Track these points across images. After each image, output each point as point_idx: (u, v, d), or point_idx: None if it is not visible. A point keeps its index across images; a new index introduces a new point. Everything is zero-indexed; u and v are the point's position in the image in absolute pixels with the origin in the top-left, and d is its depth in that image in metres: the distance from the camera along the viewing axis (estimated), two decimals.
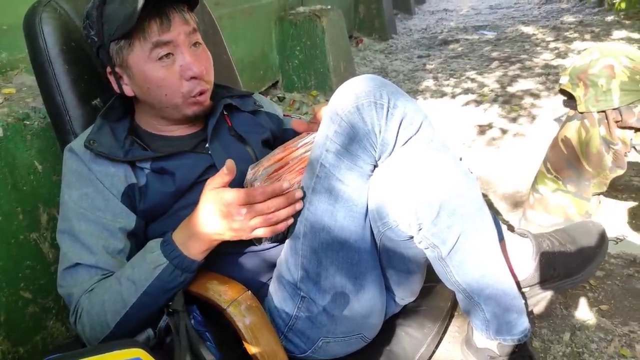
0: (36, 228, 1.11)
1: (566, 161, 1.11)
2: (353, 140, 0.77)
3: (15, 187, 1.06)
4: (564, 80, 1.12)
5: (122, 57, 0.88)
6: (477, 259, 0.81)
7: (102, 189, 0.86)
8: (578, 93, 1.08)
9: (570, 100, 1.12)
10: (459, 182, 0.75)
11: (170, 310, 0.80)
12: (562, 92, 1.14)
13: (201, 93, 0.92)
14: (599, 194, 1.16)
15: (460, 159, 0.80)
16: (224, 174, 0.76)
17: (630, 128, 1.02)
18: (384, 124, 0.77)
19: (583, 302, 1.21)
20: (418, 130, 0.80)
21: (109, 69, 0.91)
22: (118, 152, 0.88)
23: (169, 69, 0.88)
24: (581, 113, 1.08)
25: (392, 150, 0.79)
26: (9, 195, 1.05)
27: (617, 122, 1.03)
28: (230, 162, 0.77)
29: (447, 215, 0.74)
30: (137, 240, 0.89)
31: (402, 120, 0.78)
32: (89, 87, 1.00)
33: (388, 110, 0.77)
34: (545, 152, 1.19)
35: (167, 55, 0.88)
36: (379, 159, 0.80)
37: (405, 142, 0.80)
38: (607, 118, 1.04)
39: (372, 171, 0.81)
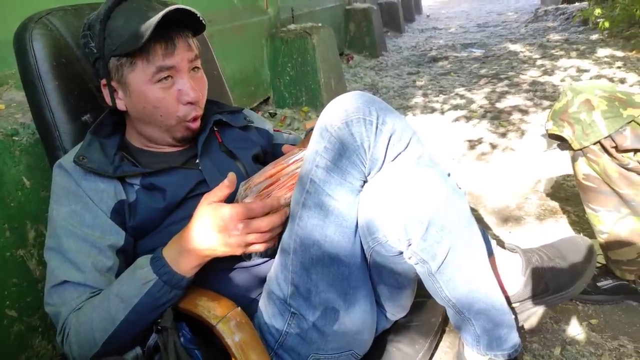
0: (23, 245, 1.10)
1: (601, 193, 1.11)
2: (342, 156, 0.78)
3: (2, 203, 1.05)
4: (549, 125, 1.13)
5: (121, 73, 0.88)
6: (467, 274, 0.81)
7: (91, 206, 0.86)
8: (566, 134, 1.10)
9: (563, 142, 1.14)
10: (448, 198, 0.75)
11: (159, 327, 0.79)
12: (552, 136, 1.15)
13: (194, 119, 0.93)
14: None
15: (449, 175, 0.81)
16: (225, 187, 0.76)
17: (629, 150, 1.03)
18: (373, 140, 0.77)
19: (573, 316, 1.22)
20: (407, 146, 0.81)
21: (103, 81, 0.92)
22: (108, 168, 0.87)
23: (167, 91, 0.89)
24: (580, 150, 1.10)
25: (382, 165, 0.80)
26: None
27: (613, 148, 1.04)
28: (232, 175, 0.77)
29: (436, 231, 0.75)
30: (126, 257, 0.88)
31: (391, 136, 0.79)
32: (79, 103, 1.00)
33: (377, 127, 0.77)
34: (581, 198, 1.19)
35: (167, 77, 0.89)
36: (368, 175, 0.81)
37: (395, 158, 0.80)
38: (603, 147, 1.06)
39: (362, 187, 0.81)
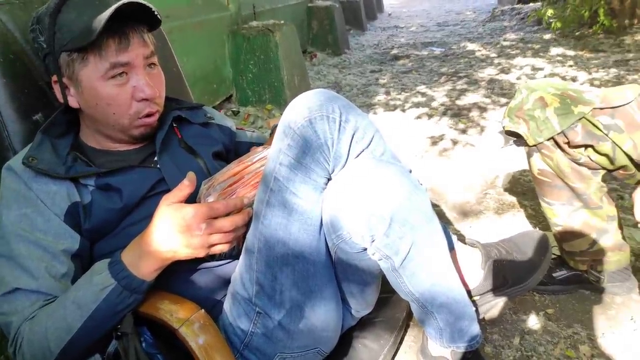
0: None
1: (555, 187, 1.16)
2: (306, 154, 0.77)
3: None
4: (506, 122, 1.17)
5: (72, 69, 0.85)
6: (429, 269, 0.83)
7: (42, 209, 0.82)
8: (522, 130, 1.14)
9: (519, 138, 1.17)
10: (410, 194, 0.76)
11: (119, 333, 0.76)
12: (509, 133, 1.19)
13: (149, 115, 0.91)
14: (605, 193, 1.18)
15: (410, 171, 0.82)
16: (185, 186, 0.75)
17: (580, 146, 1.07)
18: (337, 137, 0.77)
19: (531, 307, 1.26)
20: (370, 144, 0.81)
21: (54, 78, 0.88)
22: (59, 169, 0.84)
23: (121, 87, 0.86)
24: (535, 146, 1.13)
25: (345, 163, 0.80)
26: None
27: (566, 143, 1.08)
28: (191, 174, 0.76)
29: (398, 227, 0.75)
30: (82, 262, 0.85)
31: (354, 133, 0.79)
32: (30, 101, 0.95)
33: (340, 124, 0.77)
34: (536, 192, 1.23)
35: (121, 74, 0.85)
36: (332, 172, 0.81)
37: (358, 155, 0.81)
38: (556, 143, 1.10)
39: (326, 184, 0.81)
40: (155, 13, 0.85)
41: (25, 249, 0.80)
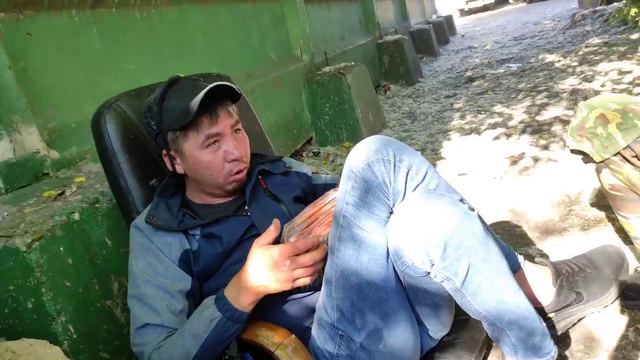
0: (109, 296, 1.28)
1: (630, 200, 1.17)
2: (368, 193, 0.90)
3: (91, 261, 1.24)
4: (569, 142, 1.20)
5: (177, 144, 1.06)
6: (491, 287, 0.89)
7: (162, 257, 1.02)
8: (587, 148, 1.16)
9: (585, 156, 1.20)
10: (460, 221, 0.85)
11: (227, 357, 0.92)
12: (574, 152, 1.21)
13: (239, 172, 1.09)
14: None
15: (462, 200, 0.90)
16: (271, 231, 0.91)
17: None
18: (393, 176, 0.89)
19: (620, 322, 1.23)
20: (424, 179, 0.92)
21: (164, 152, 1.10)
22: (173, 224, 1.04)
23: (215, 153, 1.06)
24: (602, 162, 1.16)
25: (403, 197, 0.91)
26: (87, 269, 1.22)
27: (634, 157, 1.09)
28: (276, 221, 0.92)
29: (453, 250, 0.84)
30: (194, 299, 1.03)
31: (408, 171, 0.90)
32: (147, 171, 1.19)
33: (395, 164, 0.89)
34: (612, 207, 1.24)
35: (214, 142, 1.05)
36: (393, 206, 0.92)
37: (414, 190, 0.91)
38: (624, 157, 1.11)
39: (389, 217, 0.92)
40: (237, 90, 1.05)
41: (151, 290, 1.00)
